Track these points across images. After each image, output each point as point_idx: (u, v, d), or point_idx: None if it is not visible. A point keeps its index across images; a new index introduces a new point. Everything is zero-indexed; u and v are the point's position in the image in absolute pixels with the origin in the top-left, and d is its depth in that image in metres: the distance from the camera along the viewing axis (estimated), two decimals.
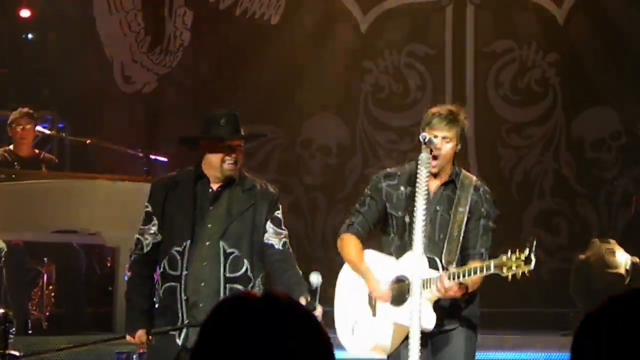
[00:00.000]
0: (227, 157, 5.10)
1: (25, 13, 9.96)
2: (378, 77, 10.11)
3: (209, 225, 5.09)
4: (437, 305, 5.03)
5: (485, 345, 7.53)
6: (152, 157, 9.03)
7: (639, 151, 9.65)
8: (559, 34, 9.93)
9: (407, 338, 4.93)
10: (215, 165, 5.11)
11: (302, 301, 4.91)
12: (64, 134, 9.51)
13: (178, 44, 10.25)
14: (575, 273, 8.40)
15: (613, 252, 8.23)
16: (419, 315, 4.83)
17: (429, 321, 5.00)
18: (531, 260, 4.71)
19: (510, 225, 8.85)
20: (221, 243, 5.06)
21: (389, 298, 5.09)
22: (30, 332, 7.81)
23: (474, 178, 5.24)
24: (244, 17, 10.19)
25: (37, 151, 8.47)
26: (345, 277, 5.34)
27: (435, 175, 5.09)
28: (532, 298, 8.98)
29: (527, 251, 4.72)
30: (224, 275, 5.05)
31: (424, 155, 4.95)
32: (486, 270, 4.80)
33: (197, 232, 5.08)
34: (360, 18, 10.15)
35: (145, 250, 5.15)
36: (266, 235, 5.15)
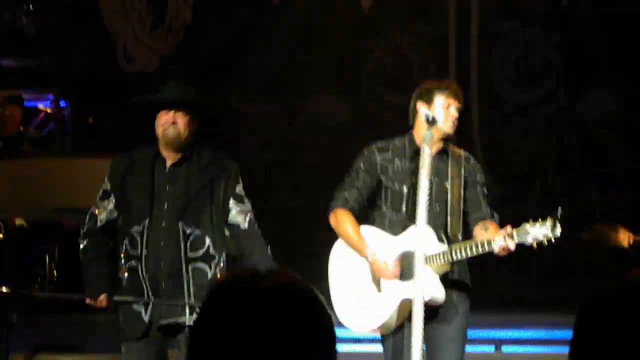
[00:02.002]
0: (166, 123, 5.04)
1: None
2: (380, 56, 10.08)
3: (166, 205, 5.07)
4: (444, 278, 5.04)
5: (487, 323, 7.56)
6: None
7: None
8: (562, 14, 9.90)
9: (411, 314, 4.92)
10: (159, 134, 5.09)
11: None
12: (65, 113, 9.50)
13: (180, 23, 10.22)
14: (578, 252, 8.41)
15: (616, 231, 8.24)
16: (423, 289, 4.82)
17: (439, 293, 4.99)
18: (557, 227, 4.69)
19: (514, 207, 8.86)
20: (180, 223, 5.03)
21: (398, 275, 5.07)
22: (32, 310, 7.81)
23: (462, 150, 5.26)
24: None
25: (21, 128, 8.45)
26: (341, 254, 5.25)
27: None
28: (534, 278, 8.99)
29: (552, 219, 4.70)
30: (185, 255, 5.03)
31: (428, 134, 4.95)
32: (510, 239, 4.77)
33: (155, 212, 5.06)
34: None
35: (99, 224, 5.18)
36: (230, 214, 5.12)
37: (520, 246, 4.80)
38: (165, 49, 10.23)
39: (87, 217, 5.24)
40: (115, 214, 5.16)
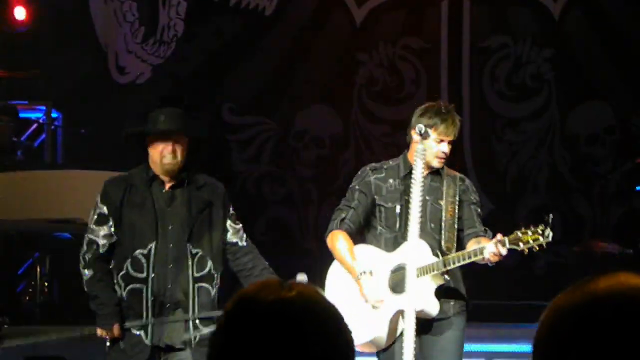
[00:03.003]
0: (165, 151, 5.06)
1: (20, 15, 9.85)
2: (372, 69, 10.10)
3: (170, 227, 5.11)
4: (438, 291, 5.05)
5: (479, 336, 7.56)
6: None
7: (633, 145, 9.67)
8: (554, 29, 9.94)
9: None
10: (156, 161, 5.10)
11: None
12: (57, 124, 9.49)
13: (172, 34, 10.23)
14: (571, 265, 8.43)
15: (606, 244, 8.28)
16: (415, 301, 4.84)
17: (433, 307, 5.01)
18: (548, 233, 4.74)
19: (504, 220, 8.86)
20: (188, 244, 5.09)
21: (385, 296, 5.08)
22: (23, 322, 7.78)
23: (456, 172, 5.30)
24: (238, 7, 10.18)
25: (14, 139, 8.44)
26: (338, 270, 5.29)
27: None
28: (526, 291, 8.99)
29: (543, 225, 4.75)
30: (192, 275, 5.09)
31: (420, 147, 4.97)
32: (502, 246, 4.80)
33: (160, 234, 5.09)
34: (355, 10, 10.14)
35: (102, 250, 5.13)
36: (228, 234, 5.23)
37: (511, 251, 4.84)
38: (157, 60, 10.23)
39: (86, 244, 5.18)
40: (114, 239, 5.14)
